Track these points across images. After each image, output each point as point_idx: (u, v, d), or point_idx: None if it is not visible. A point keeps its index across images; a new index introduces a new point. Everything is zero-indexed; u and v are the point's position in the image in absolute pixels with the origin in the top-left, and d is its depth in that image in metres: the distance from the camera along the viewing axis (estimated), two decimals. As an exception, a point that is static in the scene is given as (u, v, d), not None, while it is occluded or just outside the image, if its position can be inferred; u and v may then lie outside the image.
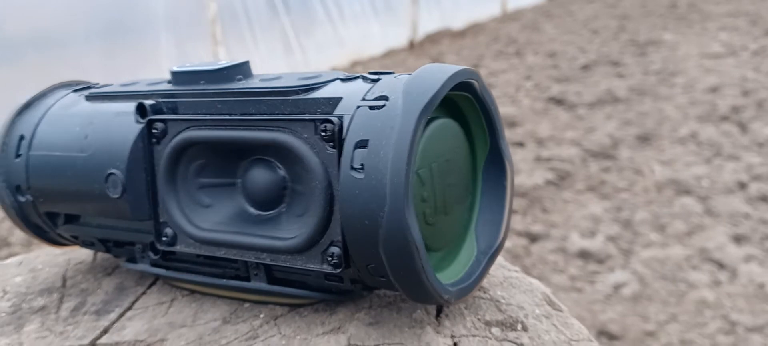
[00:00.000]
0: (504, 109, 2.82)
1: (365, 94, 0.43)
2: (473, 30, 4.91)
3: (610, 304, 1.53)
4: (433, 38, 4.69)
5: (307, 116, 0.43)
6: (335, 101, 0.43)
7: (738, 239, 1.73)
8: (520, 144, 2.46)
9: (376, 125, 0.40)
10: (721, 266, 1.62)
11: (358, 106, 0.42)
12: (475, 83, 0.45)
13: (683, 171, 2.14)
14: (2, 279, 0.62)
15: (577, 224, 1.88)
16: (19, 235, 2.07)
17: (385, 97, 0.41)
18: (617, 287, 1.58)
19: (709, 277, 1.58)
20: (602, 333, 1.41)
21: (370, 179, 0.39)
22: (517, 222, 1.91)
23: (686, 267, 1.63)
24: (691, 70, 3.24)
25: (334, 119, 0.42)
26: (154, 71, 2.94)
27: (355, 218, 0.40)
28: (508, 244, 1.73)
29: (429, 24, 4.67)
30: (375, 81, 0.44)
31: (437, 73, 0.41)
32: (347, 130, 0.41)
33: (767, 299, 1.48)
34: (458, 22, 4.92)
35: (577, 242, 1.78)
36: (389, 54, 4.37)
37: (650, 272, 1.63)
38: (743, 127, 2.45)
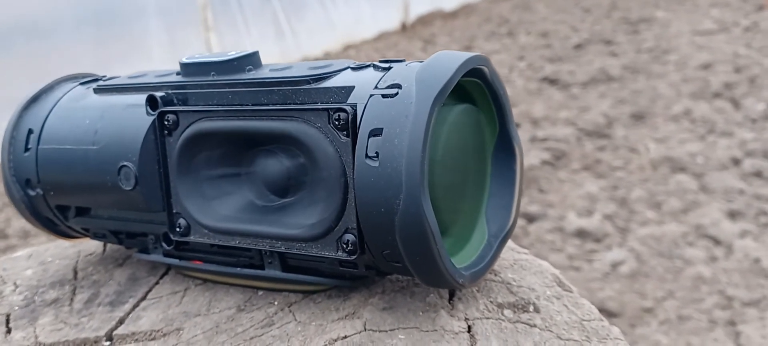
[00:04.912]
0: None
1: (378, 83, 0.43)
2: (465, 11, 4.90)
3: (608, 282, 1.54)
4: (425, 20, 4.67)
5: (320, 105, 0.43)
6: (348, 90, 0.44)
7: (733, 215, 1.74)
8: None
9: (390, 113, 0.40)
10: (716, 242, 1.64)
11: (371, 95, 0.42)
12: (486, 69, 0.45)
13: (677, 148, 2.16)
14: (13, 272, 0.62)
15: (574, 203, 1.90)
16: (16, 226, 2.06)
17: (398, 86, 0.42)
18: (615, 265, 1.59)
19: (705, 253, 1.60)
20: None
21: (385, 167, 0.40)
22: (514, 203, 1.91)
23: (682, 244, 1.65)
24: (684, 47, 3.24)
25: (348, 108, 0.42)
26: (145, 59, 2.92)
27: (371, 205, 0.40)
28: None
29: (420, 6, 4.65)
30: (386, 69, 0.44)
31: (449, 61, 0.42)
32: (361, 118, 0.42)
33: (763, 273, 1.50)
34: (450, 4, 4.90)
35: (574, 221, 1.79)
36: (381, 37, 4.35)
37: (647, 249, 1.65)
38: (736, 103, 2.47)
